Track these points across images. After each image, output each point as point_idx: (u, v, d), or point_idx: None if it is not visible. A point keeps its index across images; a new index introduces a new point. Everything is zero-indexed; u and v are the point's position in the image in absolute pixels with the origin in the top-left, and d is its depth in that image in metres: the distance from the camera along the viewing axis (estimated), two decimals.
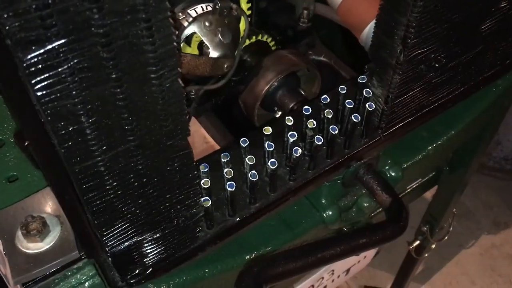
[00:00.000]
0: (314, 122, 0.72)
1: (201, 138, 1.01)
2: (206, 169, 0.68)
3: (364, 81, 0.77)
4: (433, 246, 1.71)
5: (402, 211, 0.80)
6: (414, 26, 0.64)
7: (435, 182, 1.41)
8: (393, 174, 0.94)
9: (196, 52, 0.93)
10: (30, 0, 0.34)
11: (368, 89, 0.76)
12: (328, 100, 0.75)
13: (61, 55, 0.38)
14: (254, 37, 1.04)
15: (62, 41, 0.37)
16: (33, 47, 0.36)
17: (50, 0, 0.35)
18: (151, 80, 0.44)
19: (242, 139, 0.71)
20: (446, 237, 1.68)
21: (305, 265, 0.66)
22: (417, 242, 1.68)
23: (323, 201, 0.88)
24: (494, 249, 2.36)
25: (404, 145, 0.95)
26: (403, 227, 0.78)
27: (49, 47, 0.37)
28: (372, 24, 0.98)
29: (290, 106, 0.99)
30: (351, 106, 0.74)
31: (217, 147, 0.99)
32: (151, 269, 0.64)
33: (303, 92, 1.02)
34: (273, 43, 1.09)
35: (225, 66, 0.87)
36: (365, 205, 0.92)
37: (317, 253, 0.67)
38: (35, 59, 0.37)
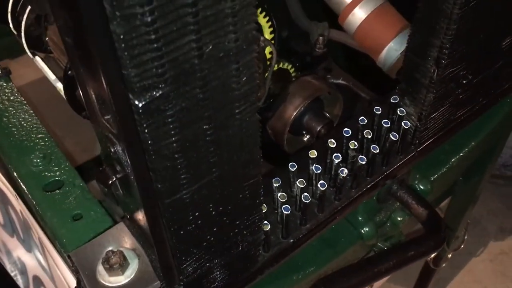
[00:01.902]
0: (356, 143, 0.76)
1: None
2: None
3: (396, 101, 0.82)
4: (449, 256, 1.74)
5: (440, 222, 0.84)
6: (448, 48, 0.69)
7: (449, 193, 1.45)
8: (422, 187, 0.98)
9: None
10: (149, 53, 0.38)
11: (401, 109, 0.80)
12: (366, 121, 0.79)
13: (170, 99, 0.41)
14: (276, 66, 1.09)
15: (171, 86, 0.41)
16: (148, 93, 0.40)
17: (164, 52, 0.38)
18: (235, 115, 0.48)
19: (290, 163, 0.74)
20: (462, 246, 1.72)
21: (364, 279, 0.69)
22: (435, 253, 1.71)
23: (360, 218, 0.92)
24: (503, 255, 2.40)
25: (430, 159, 1.00)
26: (444, 237, 0.81)
27: (160, 92, 0.40)
28: (389, 46, 1.03)
29: (318, 129, 1.04)
30: (388, 126, 0.79)
31: None
32: None
33: (327, 115, 1.06)
34: (293, 69, 1.14)
35: (258, 95, 0.92)
36: (399, 219, 0.96)
37: (372, 268, 0.70)
38: (148, 104, 0.40)
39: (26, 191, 0.73)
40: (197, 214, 0.53)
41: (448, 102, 0.81)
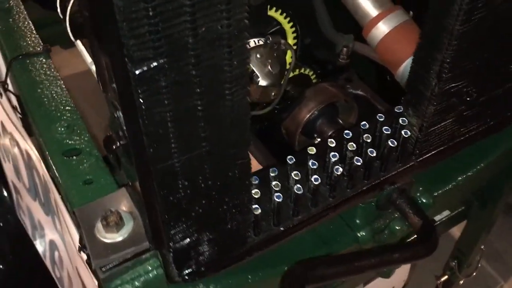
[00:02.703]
0: (354, 145, 0.80)
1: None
2: (256, 182, 0.77)
3: (400, 111, 0.85)
4: (461, 282, 1.73)
5: (431, 232, 0.86)
6: (449, 62, 0.72)
7: (464, 216, 1.45)
8: (424, 200, 1.00)
9: None
10: (147, 27, 0.44)
11: (404, 118, 0.84)
12: (367, 126, 0.83)
13: (163, 71, 0.47)
14: (297, 70, 1.14)
15: (165, 59, 0.47)
16: (144, 63, 0.46)
17: (160, 27, 0.44)
18: (226, 96, 0.54)
19: (288, 156, 0.79)
20: (474, 273, 1.70)
21: (341, 271, 0.72)
22: (445, 277, 1.70)
23: (358, 222, 0.95)
24: None
25: (436, 174, 1.02)
26: (433, 246, 0.83)
27: (155, 64, 0.46)
28: (408, 62, 1.07)
29: (329, 134, 1.08)
30: (388, 132, 0.82)
31: (260, 167, 1.08)
32: (204, 267, 0.71)
33: (341, 121, 1.10)
34: (314, 76, 1.19)
35: (272, 94, 0.97)
36: (397, 228, 0.98)
37: (354, 262, 0.74)
38: (144, 73, 0.46)
39: (47, 154, 0.81)
40: (186, 183, 0.59)
41: (450, 117, 0.83)
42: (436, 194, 1.02)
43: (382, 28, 1.10)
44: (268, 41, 0.95)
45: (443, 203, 1.09)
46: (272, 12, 1.00)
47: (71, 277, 0.96)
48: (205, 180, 0.60)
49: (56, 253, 1.04)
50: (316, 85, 1.11)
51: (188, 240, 0.66)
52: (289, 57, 1.04)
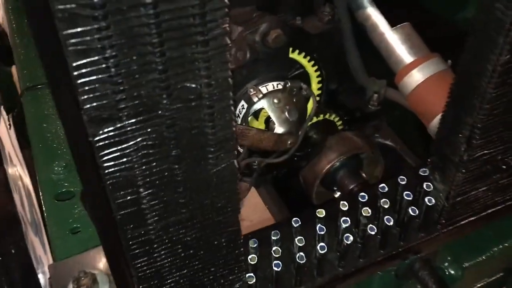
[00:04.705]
0: (369, 210, 0.71)
1: (261, 209, 1.02)
2: (255, 245, 0.69)
3: (426, 174, 0.76)
4: None
5: None
6: (480, 128, 0.63)
7: (502, 283, 1.31)
8: (452, 272, 0.89)
9: (262, 126, 0.96)
10: (109, 85, 0.38)
11: (429, 183, 0.74)
12: (386, 189, 0.74)
13: (129, 133, 0.41)
14: (322, 115, 1.06)
15: (132, 121, 0.41)
16: (105, 125, 0.40)
17: (126, 86, 0.39)
18: (208, 160, 0.47)
19: (294, 218, 0.71)
20: None
21: None
22: None
23: None
24: None
25: (467, 242, 0.91)
26: None
27: (119, 125, 0.40)
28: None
29: (350, 188, 0.99)
30: (410, 198, 0.73)
31: (273, 220, 1.00)
32: None
33: (364, 175, 1.01)
34: (340, 122, 1.11)
35: (289, 142, 0.90)
36: None
37: None
38: (105, 135, 0.40)
39: (41, 195, 0.77)
40: (163, 253, 0.52)
41: (483, 186, 0.73)
42: (466, 265, 0.91)
43: (416, 76, 1.02)
44: (287, 85, 0.88)
45: (475, 275, 0.97)
46: (295, 55, 0.93)
47: None
48: (186, 248, 0.54)
49: None
50: (340, 133, 1.03)
51: None
52: (311, 103, 0.97)
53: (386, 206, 0.72)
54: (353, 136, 1.02)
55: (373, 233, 0.70)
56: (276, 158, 0.94)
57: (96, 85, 0.37)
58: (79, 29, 0.34)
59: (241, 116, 0.90)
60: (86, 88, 0.37)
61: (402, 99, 1.09)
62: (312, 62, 0.96)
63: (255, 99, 0.88)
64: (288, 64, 0.93)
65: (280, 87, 0.90)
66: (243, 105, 0.90)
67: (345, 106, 1.11)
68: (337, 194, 1.02)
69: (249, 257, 0.65)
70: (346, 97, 1.11)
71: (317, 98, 1.02)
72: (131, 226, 0.48)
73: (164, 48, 0.38)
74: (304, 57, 0.95)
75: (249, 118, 0.91)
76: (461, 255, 0.91)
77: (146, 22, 0.36)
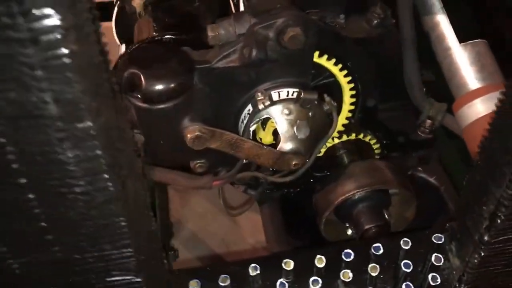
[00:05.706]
0: (350, 275, 0.56)
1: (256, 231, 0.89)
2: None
3: (441, 241, 0.58)
4: None
5: None
6: (507, 206, 0.45)
7: None
8: None
9: (269, 137, 0.82)
10: None
11: (439, 255, 0.57)
12: (381, 251, 0.58)
13: None
14: (354, 134, 0.90)
15: None
16: None
17: None
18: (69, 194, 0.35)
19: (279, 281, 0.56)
20: None
21: None
22: None
23: None
24: None
25: None
26: None
27: None
28: None
29: (365, 228, 0.82)
30: (408, 271, 0.56)
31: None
32: None
33: (387, 216, 0.84)
34: (377, 146, 0.93)
35: (293, 163, 0.75)
36: None
37: None
38: None
39: None
40: None
41: (506, 275, 0.55)
42: None
43: (479, 108, 0.83)
44: (300, 96, 0.73)
45: None
46: (322, 60, 0.77)
47: None
48: None
49: None
50: (369, 160, 0.86)
51: None
52: (345, 118, 0.80)
53: (373, 274, 0.56)
54: (384, 167, 0.84)
55: None
56: (280, 178, 0.80)
57: None
58: None
59: (244, 122, 0.77)
60: None
61: (460, 131, 0.90)
62: (345, 72, 0.80)
63: (261, 106, 0.74)
64: (313, 70, 0.78)
65: (296, 95, 0.75)
66: (249, 110, 0.76)
67: (386, 128, 0.93)
68: (349, 232, 0.85)
69: None
70: (388, 117, 0.92)
71: (349, 115, 0.86)
72: None
73: None
74: (335, 64, 0.79)
75: (254, 127, 0.78)
76: None
77: None
